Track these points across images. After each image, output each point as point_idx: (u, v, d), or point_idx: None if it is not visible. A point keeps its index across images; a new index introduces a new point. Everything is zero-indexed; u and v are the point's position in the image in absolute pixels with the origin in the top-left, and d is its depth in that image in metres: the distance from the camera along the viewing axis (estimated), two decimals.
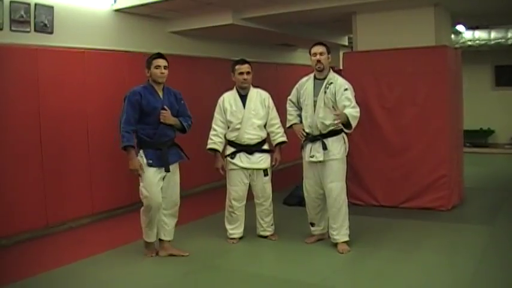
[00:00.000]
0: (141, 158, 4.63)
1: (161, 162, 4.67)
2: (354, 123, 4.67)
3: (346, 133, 4.88)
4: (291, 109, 5.16)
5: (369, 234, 5.33)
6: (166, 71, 4.70)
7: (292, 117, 5.14)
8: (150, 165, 4.62)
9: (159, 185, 4.69)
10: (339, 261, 4.66)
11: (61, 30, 5.95)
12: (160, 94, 4.73)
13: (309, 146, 4.93)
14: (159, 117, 4.64)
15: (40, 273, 4.51)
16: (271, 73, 9.98)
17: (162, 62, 4.68)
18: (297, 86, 5.13)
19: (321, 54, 4.86)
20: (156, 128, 4.67)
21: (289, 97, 5.18)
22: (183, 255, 4.88)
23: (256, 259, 4.96)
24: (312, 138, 4.90)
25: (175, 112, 4.82)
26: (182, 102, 4.91)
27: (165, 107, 4.68)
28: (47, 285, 4.32)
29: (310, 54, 4.95)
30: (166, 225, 4.86)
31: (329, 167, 4.83)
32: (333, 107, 4.73)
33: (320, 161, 4.84)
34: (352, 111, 4.66)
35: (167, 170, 4.68)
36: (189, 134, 7.81)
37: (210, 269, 4.59)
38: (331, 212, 4.88)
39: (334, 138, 4.82)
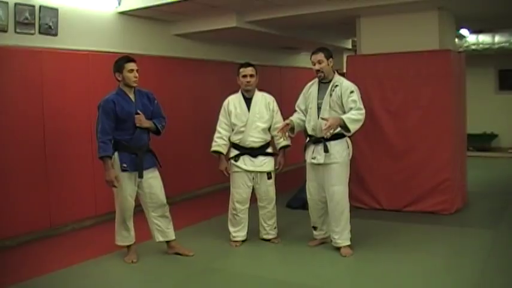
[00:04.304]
0: (115, 161, 4.61)
1: (135, 167, 4.67)
2: (353, 126, 4.63)
3: (349, 136, 4.88)
4: (295, 114, 5.12)
5: (372, 238, 5.33)
6: (138, 75, 4.69)
7: (292, 118, 5.08)
8: (124, 169, 4.62)
9: (132, 190, 4.72)
10: (342, 265, 4.66)
11: (65, 32, 5.97)
12: (132, 97, 4.72)
13: (311, 147, 4.93)
14: (134, 122, 4.65)
15: (44, 274, 4.52)
16: (275, 76, 9.99)
17: (135, 66, 4.66)
18: (303, 91, 5.11)
19: (319, 62, 4.81)
20: (132, 133, 4.67)
21: (297, 103, 5.15)
22: (188, 255, 4.92)
23: (258, 262, 4.96)
24: (314, 140, 4.89)
25: (150, 114, 4.81)
26: (155, 102, 4.90)
27: (138, 111, 4.68)
28: (50, 286, 4.33)
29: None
30: (159, 227, 4.89)
31: (331, 171, 4.81)
32: (322, 118, 4.72)
33: (321, 164, 4.84)
34: (351, 115, 4.62)
35: (140, 176, 4.69)
36: (194, 136, 7.84)
37: (213, 272, 4.59)
38: (332, 216, 4.87)
39: (337, 141, 4.79)
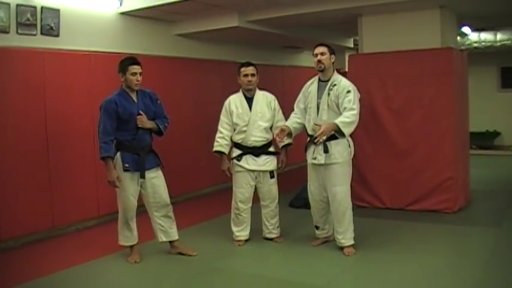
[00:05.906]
0: (118, 161, 4.62)
1: (137, 167, 4.67)
2: (347, 130, 4.62)
3: (350, 136, 4.86)
4: (292, 115, 5.12)
5: (374, 237, 5.32)
6: (141, 78, 4.67)
7: (288, 122, 5.09)
8: (126, 169, 4.62)
9: (135, 190, 4.72)
10: (344, 264, 4.66)
11: (67, 33, 5.97)
12: (135, 98, 4.71)
13: (312, 148, 4.90)
14: (136, 123, 4.64)
15: (47, 275, 4.53)
16: (277, 75, 9.99)
17: (138, 69, 4.64)
18: (303, 89, 5.10)
19: (321, 54, 4.83)
20: (134, 134, 4.67)
21: (296, 102, 5.14)
22: (191, 255, 4.92)
23: (262, 261, 4.96)
24: (315, 140, 4.88)
25: (152, 114, 4.80)
26: (158, 102, 4.89)
27: (141, 111, 4.67)
28: (53, 287, 4.34)
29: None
30: (162, 227, 4.89)
31: (332, 171, 4.80)
32: (315, 124, 4.73)
33: (322, 164, 4.82)
34: (344, 118, 4.60)
35: (142, 177, 4.69)
36: (196, 136, 7.84)
37: (216, 271, 4.59)
38: (336, 216, 4.87)
39: (338, 141, 4.76)
